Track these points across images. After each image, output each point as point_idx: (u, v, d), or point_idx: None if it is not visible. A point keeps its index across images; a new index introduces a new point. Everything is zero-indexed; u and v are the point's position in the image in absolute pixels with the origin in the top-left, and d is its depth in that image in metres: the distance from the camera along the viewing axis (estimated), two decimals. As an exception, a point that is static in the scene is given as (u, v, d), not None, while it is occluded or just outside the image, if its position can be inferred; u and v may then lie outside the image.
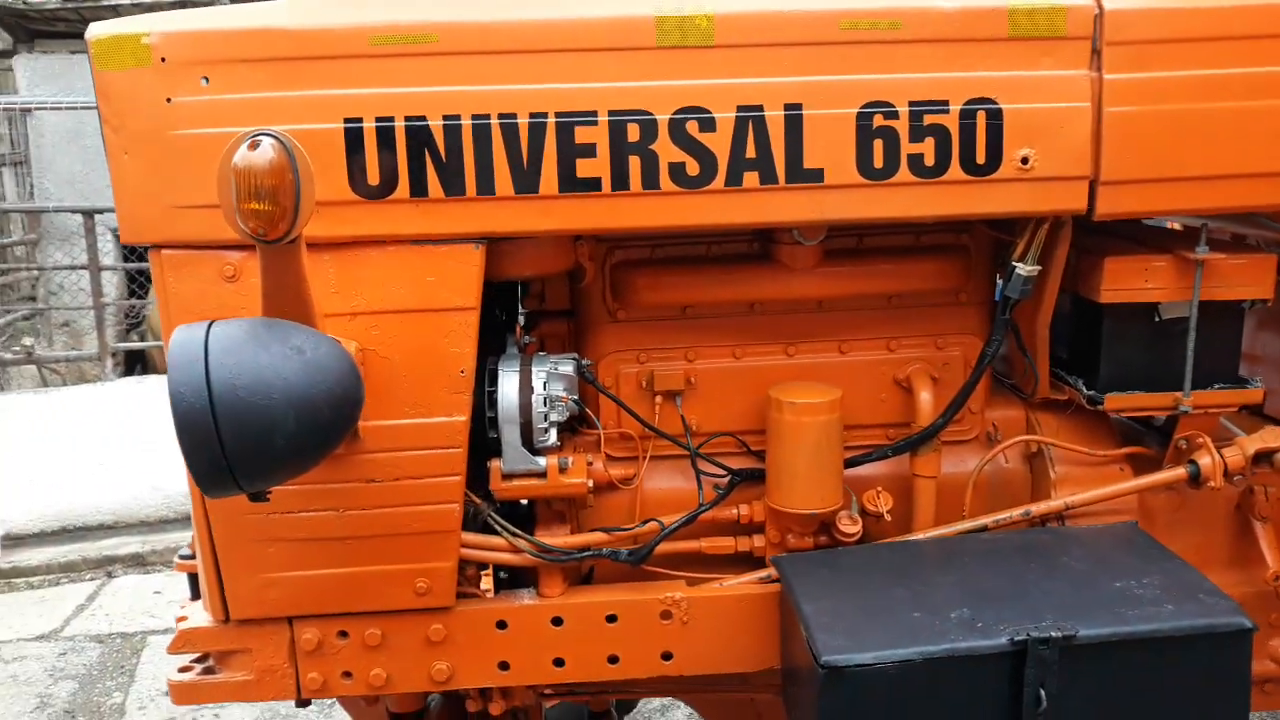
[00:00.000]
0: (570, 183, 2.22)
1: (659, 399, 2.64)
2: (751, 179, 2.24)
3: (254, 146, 1.67)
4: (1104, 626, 2.06)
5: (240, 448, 1.65)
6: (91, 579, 6.44)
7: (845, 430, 2.68)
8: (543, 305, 2.70)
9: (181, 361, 1.65)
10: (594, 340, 2.66)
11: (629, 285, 2.59)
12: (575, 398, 2.47)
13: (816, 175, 2.25)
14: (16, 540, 6.84)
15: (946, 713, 2.07)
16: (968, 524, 2.56)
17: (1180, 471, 2.55)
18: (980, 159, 2.26)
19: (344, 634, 2.48)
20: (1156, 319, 2.55)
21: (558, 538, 2.53)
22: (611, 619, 2.51)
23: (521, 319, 2.58)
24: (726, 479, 2.62)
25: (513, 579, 2.63)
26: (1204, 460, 2.52)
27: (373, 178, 2.20)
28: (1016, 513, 2.56)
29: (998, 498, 2.72)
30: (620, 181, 2.22)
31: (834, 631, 2.10)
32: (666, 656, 2.54)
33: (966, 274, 2.66)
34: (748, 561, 2.64)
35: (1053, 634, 2.03)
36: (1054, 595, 2.19)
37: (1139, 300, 2.50)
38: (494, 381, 2.42)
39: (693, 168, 2.23)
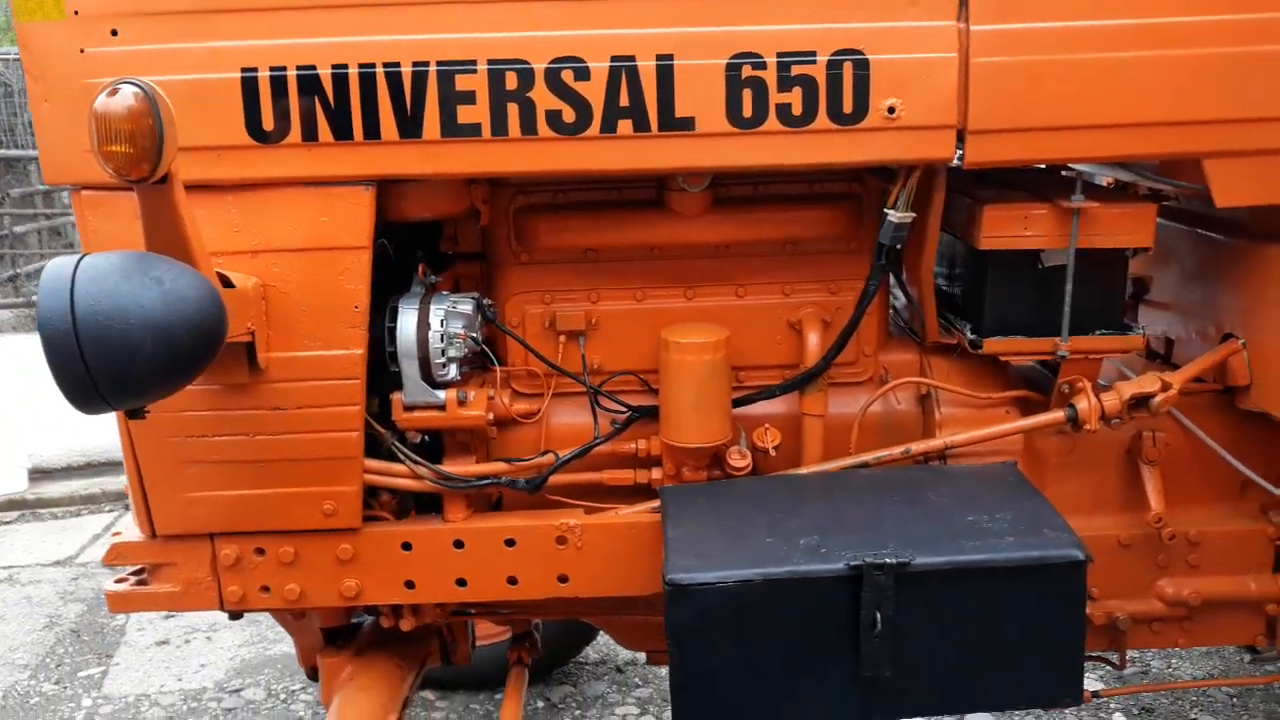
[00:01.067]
0: (452, 128, 2.34)
1: (562, 338, 2.78)
2: (625, 126, 2.35)
3: (113, 94, 1.82)
4: (940, 555, 2.17)
5: (102, 368, 1.82)
6: (110, 510, 6.79)
7: (742, 371, 2.82)
8: (456, 247, 2.84)
9: (50, 289, 1.82)
10: (502, 281, 2.80)
11: (531, 229, 2.71)
12: (475, 335, 2.61)
13: (688, 123, 2.34)
14: (45, 474, 7.23)
15: (788, 631, 2.20)
16: (849, 460, 2.67)
17: (1059, 414, 2.63)
18: (847, 109, 2.34)
19: (261, 551, 2.67)
20: (1039, 266, 2.61)
21: (461, 467, 2.70)
22: (510, 543, 2.67)
23: (421, 256, 2.71)
24: (626, 415, 2.76)
25: (429, 506, 2.80)
26: (1081, 404, 2.60)
27: (268, 123, 2.35)
28: (896, 450, 2.66)
29: (890, 438, 2.82)
30: (499, 127, 2.34)
31: (687, 553, 2.24)
32: (563, 579, 2.70)
33: (858, 222, 2.74)
34: (648, 493, 2.78)
35: (888, 560, 2.14)
36: (905, 526, 2.30)
37: (1019, 248, 2.57)
38: (395, 318, 2.57)
39: (569, 115, 2.34)
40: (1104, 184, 3.50)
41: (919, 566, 2.15)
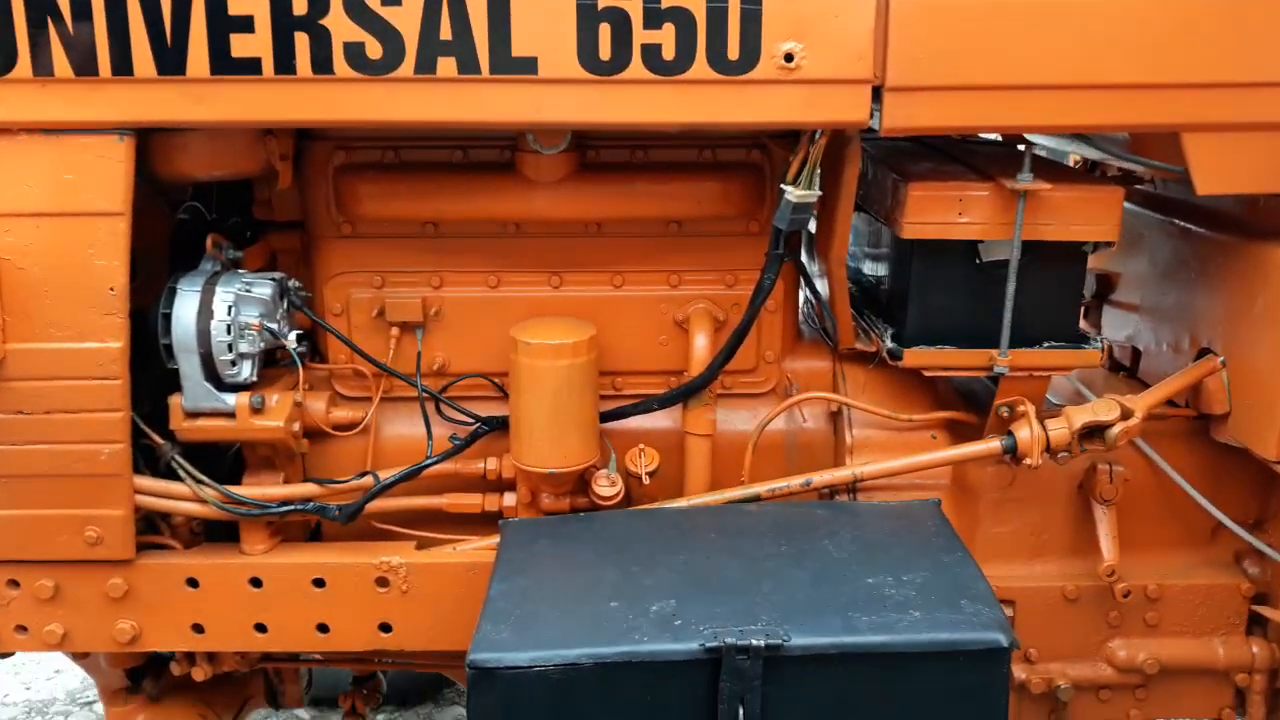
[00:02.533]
0: (224, 63, 1.82)
1: (395, 331, 2.27)
2: (448, 66, 1.83)
3: None
4: (823, 634, 1.69)
5: None
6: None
7: (618, 377, 2.33)
8: (271, 214, 2.32)
9: None
10: (321, 258, 2.29)
11: (353, 195, 2.20)
12: (275, 325, 2.10)
13: (529, 65, 1.83)
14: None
15: (628, 725, 1.71)
16: (738, 492, 2.18)
17: (993, 444, 2.15)
18: (733, 54, 1.83)
19: (14, 583, 2.17)
20: (976, 261, 2.12)
21: (259, 489, 2.19)
22: (319, 583, 2.18)
23: (215, 223, 2.20)
24: (471, 427, 2.26)
25: (226, 532, 2.29)
26: (1022, 433, 2.11)
27: (-14, 51, 1.82)
28: (796, 482, 2.17)
29: (793, 464, 2.34)
30: (284, 64, 1.82)
31: (502, 622, 1.74)
32: (385, 628, 2.21)
33: (759, 199, 2.23)
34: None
35: (753, 642, 1.66)
36: (788, 589, 1.81)
37: (951, 237, 2.07)
38: (171, 303, 2.06)
39: (374, 49, 1.82)
40: (1071, 163, 3.01)
41: (795, 649, 1.67)
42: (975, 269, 2.12)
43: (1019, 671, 2.32)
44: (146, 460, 2.18)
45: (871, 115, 1.88)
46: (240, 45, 1.81)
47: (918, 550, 1.95)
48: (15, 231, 1.92)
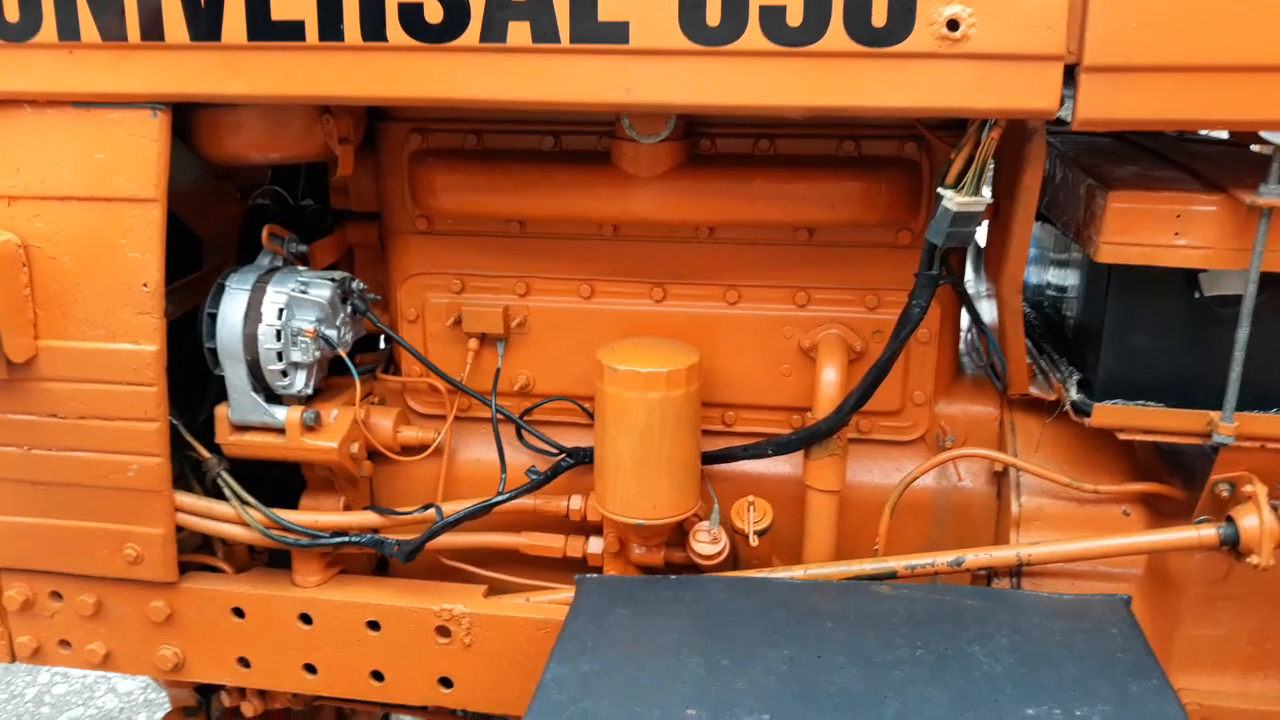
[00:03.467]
0: (263, 27, 1.53)
1: (473, 342, 1.96)
2: (520, 33, 1.48)
3: None
4: (953, 792, 1.27)
5: None
6: None
7: (728, 410, 1.96)
8: (349, 204, 2.04)
9: None
10: (398, 255, 2.00)
11: (429, 185, 1.89)
12: (333, 332, 1.82)
13: (619, 33, 1.46)
14: None
15: None
16: (868, 565, 1.76)
17: (1208, 533, 1.65)
18: (878, 19, 1.41)
19: (57, 595, 2.00)
20: (1196, 295, 1.62)
21: (317, 513, 1.93)
22: (374, 626, 1.91)
23: (276, 211, 1.94)
24: (555, 458, 1.93)
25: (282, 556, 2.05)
26: (1248, 521, 1.61)
27: (10, 12, 1.59)
28: (944, 559, 1.74)
29: (945, 531, 1.91)
30: (331, 29, 1.52)
31: (554, 718, 1.41)
32: (446, 683, 1.92)
33: (913, 203, 1.80)
34: (587, 569, 1.96)
35: (855, 795, 1.26)
36: (918, 714, 1.40)
37: (1164, 263, 1.58)
38: (218, 302, 1.81)
39: (434, 12, 1.49)
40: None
41: (911, 811, 1.26)
42: (1194, 305, 1.62)
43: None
44: (197, 474, 1.96)
45: (1062, 102, 1.42)
46: (281, 7, 1.51)
47: (1098, 670, 1.49)
48: (45, 216, 1.70)
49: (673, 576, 1.78)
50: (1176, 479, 1.81)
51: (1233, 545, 1.63)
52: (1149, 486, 1.78)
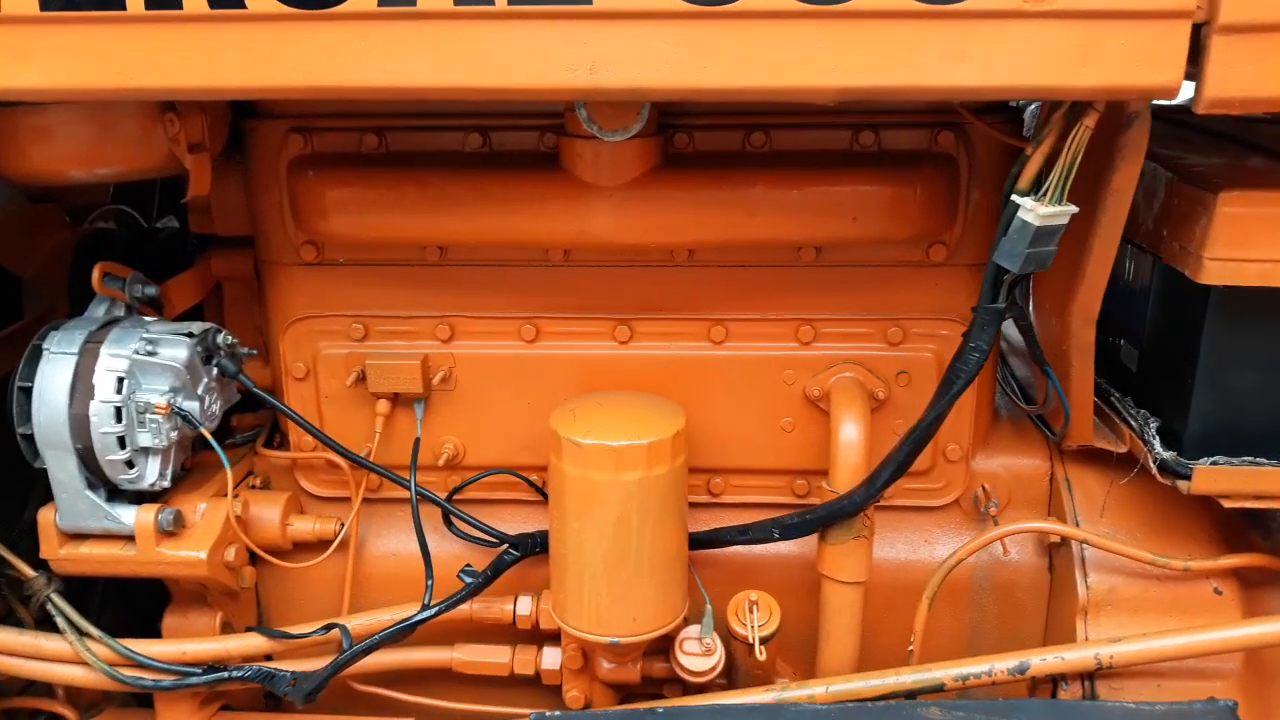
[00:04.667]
0: (61, -8, 1.07)
1: (383, 405, 1.52)
2: (436, -4, 1.04)
3: None
4: None
5: None
6: None
7: (717, 476, 1.54)
8: (213, 227, 1.57)
9: None
10: (278, 293, 1.54)
11: (315, 201, 1.43)
12: (193, 403, 1.36)
13: (576, -9, 1.03)
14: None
15: None
16: (907, 676, 1.38)
17: (1334, 620, 1.31)
18: (941, -37, 1.01)
19: None
20: (1323, 324, 1.27)
21: (183, 640, 1.47)
22: (262, 785, 1.46)
23: (120, 241, 1.47)
24: (498, 550, 1.50)
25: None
26: (1387, 605, 1.27)
27: None
28: (1003, 665, 1.36)
29: (988, 613, 1.54)
30: (152, -12, 1.06)
31: None
32: None
33: (948, 210, 1.41)
34: (542, 687, 1.54)
35: None
36: None
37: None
38: (33, 373, 1.33)
39: (305, -37, 1.04)
40: None
41: None
42: (1320, 336, 1.27)
43: None
44: (20, 597, 1.48)
45: (1183, 78, 1.04)
46: (81, -41, 1.05)
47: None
48: None
49: (657, 709, 1.36)
50: (1273, 546, 1.46)
51: (1368, 636, 1.29)
52: (1248, 559, 1.42)
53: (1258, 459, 1.32)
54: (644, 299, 1.49)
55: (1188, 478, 1.32)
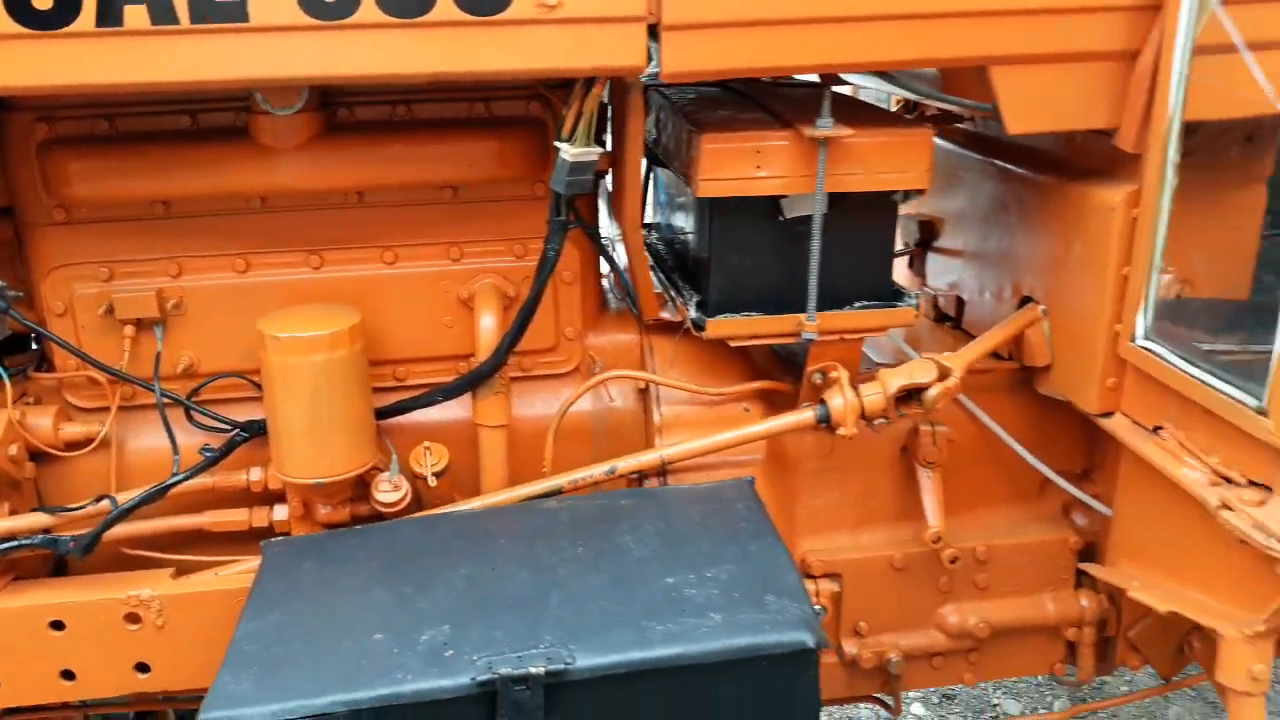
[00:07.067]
0: None
1: (129, 330, 1.96)
2: (138, 17, 1.52)
3: None
4: (611, 652, 1.49)
5: None
6: None
7: (399, 365, 2.07)
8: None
9: None
10: (36, 249, 1.95)
11: (61, 174, 1.86)
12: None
13: (237, 11, 1.53)
14: None
15: (396, 775, 1.49)
16: (538, 486, 1.96)
17: (806, 414, 1.98)
18: (472, -10, 1.58)
19: None
20: (779, 218, 1.93)
21: (-20, 520, 1.87)
22: (58, 625, 1.88)
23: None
24: (228, 435, 1.97)
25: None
26: (835, 401, 1.95)
27: None
28: (599, 470, 1.97)
29: (604, 448, 2.13)
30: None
31: (247, 668, 1.50)
32: (142, 668, 1.93)
33: (542, 158, 1.99)
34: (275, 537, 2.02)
35: (532, 670, 1.45)
36: (579, 600, 1.61)
37: (751, 193, 1.87)
38: None
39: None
40: (893, 105, 2.86)
41: (580, 672, 1.47)
42: (778, 227, 1.93)
43: (849, 646, 2.20)
44: None
45: (650, 59, 1.65)
46: None
47: (725, 539, 1.77)
48: None
49: (358, 527, 1.90)
50: (787, 376, 2.14)
51: (826, 422, 1.97)
52: (761, 385, 2.09)
53: (751, 313, 1.98)
54: (329, 233, 2.00)
55: (704, 328, 1.96)
